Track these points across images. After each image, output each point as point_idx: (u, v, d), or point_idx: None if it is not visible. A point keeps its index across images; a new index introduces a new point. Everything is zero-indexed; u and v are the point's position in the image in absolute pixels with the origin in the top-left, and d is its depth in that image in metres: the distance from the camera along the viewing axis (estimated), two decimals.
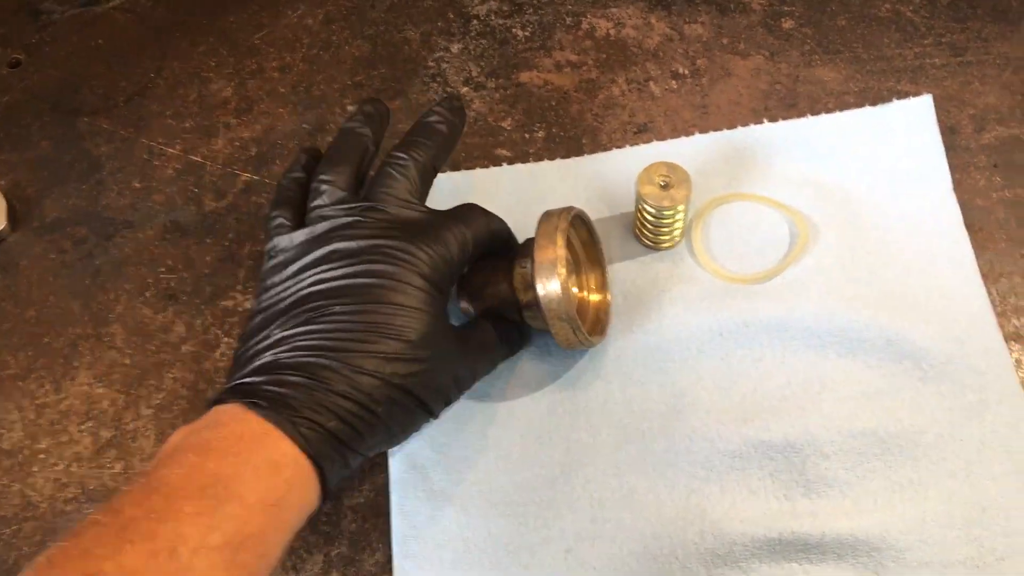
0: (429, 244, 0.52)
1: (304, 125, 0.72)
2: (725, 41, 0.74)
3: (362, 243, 0.51)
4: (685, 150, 0.69)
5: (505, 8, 0.77)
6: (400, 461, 0.59)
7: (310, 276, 0.51)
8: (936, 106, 0.69)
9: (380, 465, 0.59)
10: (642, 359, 0.61)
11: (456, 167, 0.69)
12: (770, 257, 0.64)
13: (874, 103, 0.70)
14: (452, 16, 0.77)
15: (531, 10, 0.77)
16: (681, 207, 0.61)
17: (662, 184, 0.60)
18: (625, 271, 0.65)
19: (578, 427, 0.60)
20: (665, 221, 0.62)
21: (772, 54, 0.73)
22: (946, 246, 0.64)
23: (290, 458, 0.44)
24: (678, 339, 0.62)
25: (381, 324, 0.48)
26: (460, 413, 0.60)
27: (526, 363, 0.62)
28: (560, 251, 0.54)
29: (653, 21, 0.76)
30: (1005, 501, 0.56)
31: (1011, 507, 0.55)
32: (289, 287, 0.51)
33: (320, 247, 0.52)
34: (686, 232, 0.65)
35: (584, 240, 0.62)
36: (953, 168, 0.67)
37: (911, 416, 0.58)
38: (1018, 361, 0.60)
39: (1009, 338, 0.61)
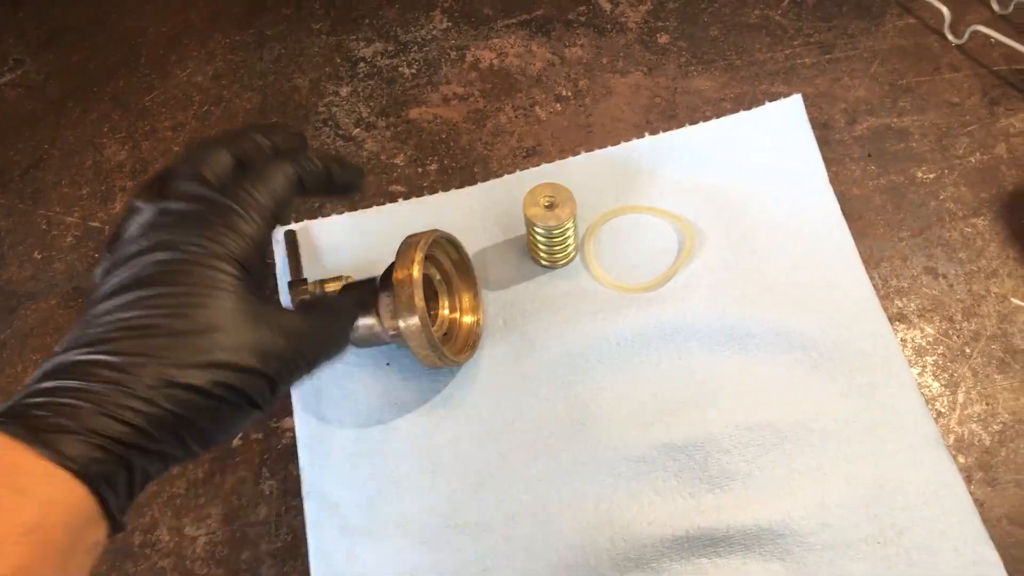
0: (214, 225, 0.44)
1: None
2: (605, 61, 0.77)
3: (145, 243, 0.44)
4: (573, 169, 0.71)
5: (390, 48, 0.79)
6: (315, 502, 0.60)
7: (96, 290, 0.44)
8: (809, 103, 0.72)
9: (296, 507, 0.60)
10: (546, 376, 0.63)
11: (353, 207, 0.71)
12: (661, 265, 0.66)
13: (749, 107, 0.72)
14: (339, 61, 0.79)
15: (415, 48, 0.79)
16: (568, 224, 0.62)
17: (547, 205, 0.62)
18: (524, 292, 0.66)
19: (487, 448, 0.61)
20: (556, 240, 0.63)
21: (650, 69, 0.76)
22: (827, 237, 0.66)
23: (42, 475, 0.37)
24: (579, 353, 0.63)
25: (159, 307, 0.41)
26: (369, 447, 0.61)
27: (431, 391, 0.63)
28: (416, 279, 0.55)
29: (535, 48, 0.78)
30: (901, 477, 0.58)
31: (906, 482, 0.57)
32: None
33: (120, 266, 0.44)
34: (579, 247, 0.67)
35: (455, 260, 0.64)
36: (829, 161, 0.69)
37: (805, 404, 0.60)
38: (903, 341, 0.63)
39: (893, 319, 0.63)
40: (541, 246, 0.64)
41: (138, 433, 0.39)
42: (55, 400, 0.38)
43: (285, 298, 0.66)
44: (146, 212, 0.44)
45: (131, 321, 0.40)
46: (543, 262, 0.66)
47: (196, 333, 0.41)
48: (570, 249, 0.66)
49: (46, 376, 0.40)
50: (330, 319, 0.50)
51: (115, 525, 0.39)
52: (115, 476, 0.39)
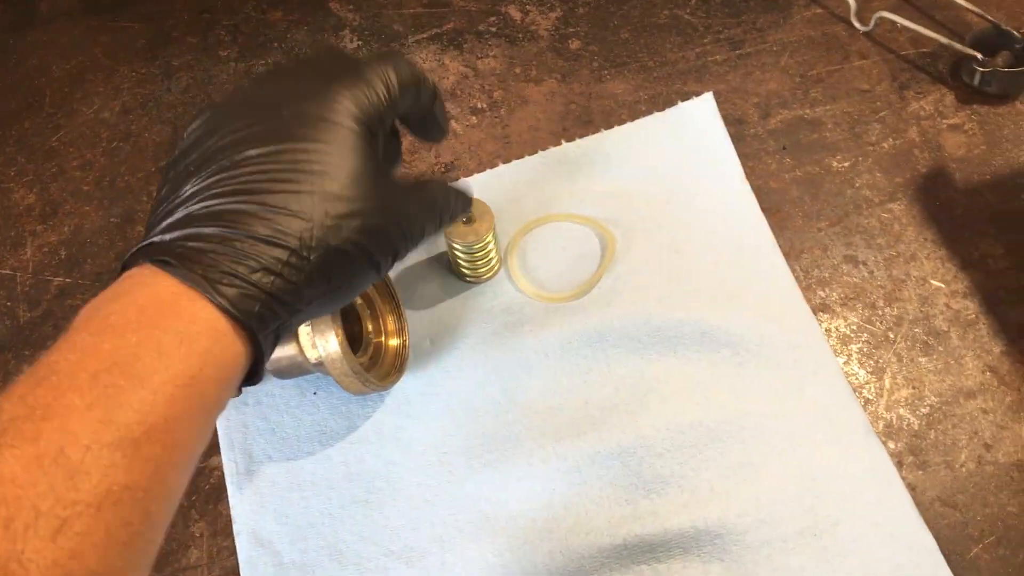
0: (350, 84, 0.44)
1: (112, 219, 0.71)
2: (518, 71, 0.76)
3: (280, 90, 0.44)
4: (492, 182, 0.70)
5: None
6: (246, 540, 0.58)
7: (227, 130, 0.43)
8: (722, 99, 0.72)
9: (229, 548, 0.58)
10: (476, 393, 0.62)
11: None
12: (585, 272, 0.66)
13: (664, 108, 0.72)
14: None
15: None
16: (488, 238, 0.62)
17: (464, 220, 0.61)
18: (449, 310, 0.65)
19: (419, 472, 0.60)
20: (477, 254, 0.63)
21: (564, 76, 0.76)
22: (747, 232, 0.66)
23: (205, 325, 0.37)
24: (507, 368, 0.62)
25: (303, 161, 0.41)
26: (300, 479, 0.60)
27: (360, 417, 0.62)
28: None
29: (447, 62, 0.77)
30: (833, 467, 0.58)
31: (838, 473, 0.57)
32: (205, 143, 0.42)
33: (244, 102, 0.44)
34: (503, 260, 0.66)
35: (376, 283, 0.63)
36: (745, 156, 0.69)
37: (735, 401, 0.60)
38: (827, 331, 0.63)
39: (817, 310, 0.63)
40: (463, 262, 0.64)
41: (292, 289, 0.39)
42: (215, 248, 0.38)
43: None
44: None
45: (276, 175, 0.40)
46: (467, 278, 0.66)
47: (337, 196, 0.40)
48: (493, 262, 0.65)
49: (194, 220, 0.39)
50: (439, 197, 0.49)
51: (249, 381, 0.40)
52: (264, 322, 0.39)
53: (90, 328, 0.36)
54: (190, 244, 0.38)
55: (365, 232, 0.42)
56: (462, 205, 0.52)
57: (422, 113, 0.50)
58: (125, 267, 0.39)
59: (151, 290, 0.37)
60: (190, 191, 0.40)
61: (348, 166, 0.41)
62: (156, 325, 0.36)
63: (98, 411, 0.33)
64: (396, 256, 0.45)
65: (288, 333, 0.42)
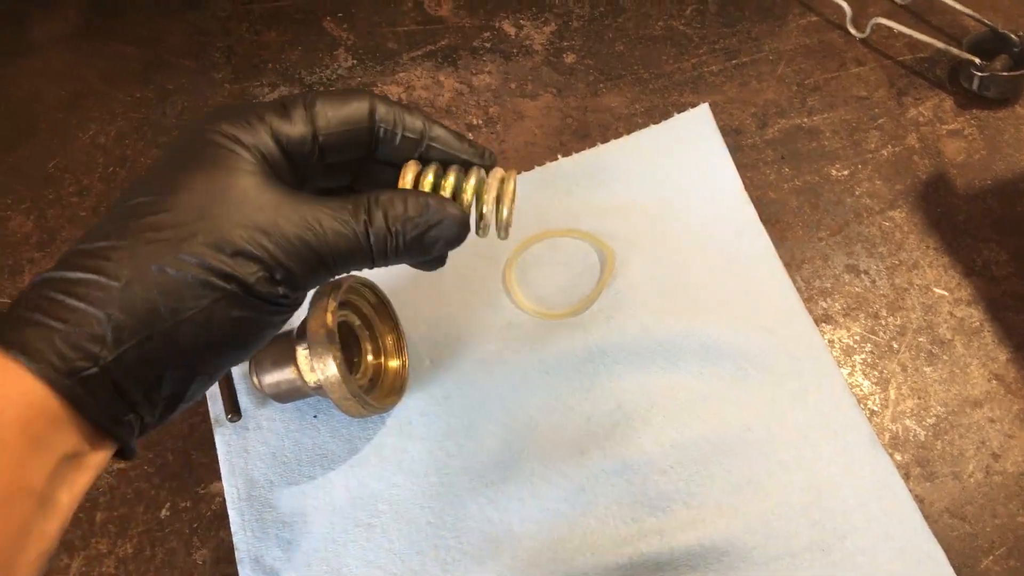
0: (258, 110, 0.40)
1: None
2: (513, 86, 0.76)
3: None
4: None
5: (296, 91, 0.78)
6: (249, 566, 0.58)
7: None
8: (719, 110, 0.72)
9: (232, 575, 0.58)
10: (477, 413, 0.62)
11: None
12: (585, 287, 0.65)
13: (660, 120, 0.72)
14: None
15: (321, 89, 0.77)
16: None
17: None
18: (449, 329, 0.65)
19: (422, 495, 0.59)
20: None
21: (559, 90, 0.75)
22: (747, 243, 0.66)
23: (17, 393, 0.33)
24: (509, 386, 0.62)
25: (162, 188, 0.36)
26: (303, 504, 0.59)
27: (361, 440, 0.61)
28: (331, 328, 0.53)
29: (442, 79, 0.77)
30: (838, 480, 0.57)
31: (844, 485, 0.57)
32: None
33: None
34: (502, 276, 0.66)
35: (374, 303, 0.62)
36: (743, 166, 0.69)
37: (738, 415, 0.59)
38: (830, 342, 0.62)
39: (819, 321, 0.63)
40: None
41: (113, 333, 0.34)
42: (37, 295, 0.34)
43: None
44: None
45: (123, 205, 0.36)
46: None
47: (187, 212, 0.36)
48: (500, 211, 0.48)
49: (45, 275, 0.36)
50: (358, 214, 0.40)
51: (120, 443, 0.35)
52: (95, 385, 0.34)
53: None
54: (24, 297, 0.35)
55: (223, 254, 0.36)
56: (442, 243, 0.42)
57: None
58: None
59: None
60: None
61: (215, 183, 0.37)
62: None
63: None
64: (288, 284, 0.38)
65: (182, 403, 0.37)
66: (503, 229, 0.44)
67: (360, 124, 0.42)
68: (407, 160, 0.43)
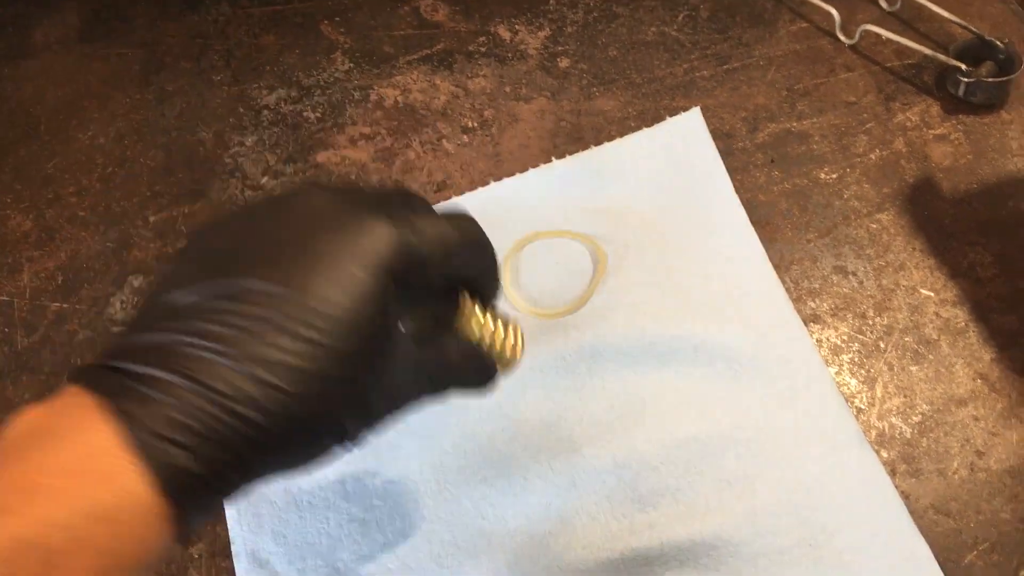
0: (395, 221, 0.37)
1: (108, 244, 0.72)
2: (508, 89, 0.77)
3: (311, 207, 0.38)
4: (483, 200, 0.71)
5: (293, 94, 0.79)
6: (245, 561, 0.58)
7: (237, 245, 0.37)
8: (710, 114, 0.73)
9: (228, 569, 0.59)
10: (470, 409, 0.62)
11: None
12: (578, 287, 0.66)
13: (652, 124, 0.73)
14: (242, 110, 0.78)
15: (319, 92, 0.79)
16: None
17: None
18: None
19: (416, 491, 0.60)
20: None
21: (553, 94, 0.76)
22: (737, 245, 0.67)
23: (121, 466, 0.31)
24: (502, 383, 0.63)
25: (300, 311, 0.34)
26: (298, 498, 0.60)
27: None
28: None
29: (438, 82, 0.78)
30: (827, 479, 0.58)
31: (833, 483, 0.58)
32: (214, 247, 0.37)
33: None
34: None
35: None
36: (734, 169, 0.70)
37: (728, 414, 0.60)
38: (819, 341, 0.63)
39: (807, 321, 0.64)
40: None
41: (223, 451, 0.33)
42: (167, 398, 0.32)
43: None
44: None
45: (269, 322, 0.34)
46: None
47: (324, 362, 0.34)
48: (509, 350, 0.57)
49: (163, 352, 0.33)
50: (453, 361, 0.42)
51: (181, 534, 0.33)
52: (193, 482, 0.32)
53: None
54: (143, 389, 0.32)
55: (341, 400, 0.35)
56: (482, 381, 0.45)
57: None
58: (77, 375, 0.34)
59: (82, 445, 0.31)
60: (181, 301, 0.35)
61: (347, 308, 0.35)
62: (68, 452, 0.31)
63: None
64: (371, 424, 0.38)
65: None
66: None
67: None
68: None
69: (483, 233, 0.42)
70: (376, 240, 0.36)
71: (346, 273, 0.35)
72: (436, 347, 0.42)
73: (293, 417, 0.34)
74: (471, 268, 0.43)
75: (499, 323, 0.46)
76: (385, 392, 0.38)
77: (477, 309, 0.44)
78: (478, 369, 0.44)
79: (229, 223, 0.38)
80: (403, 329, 0.39)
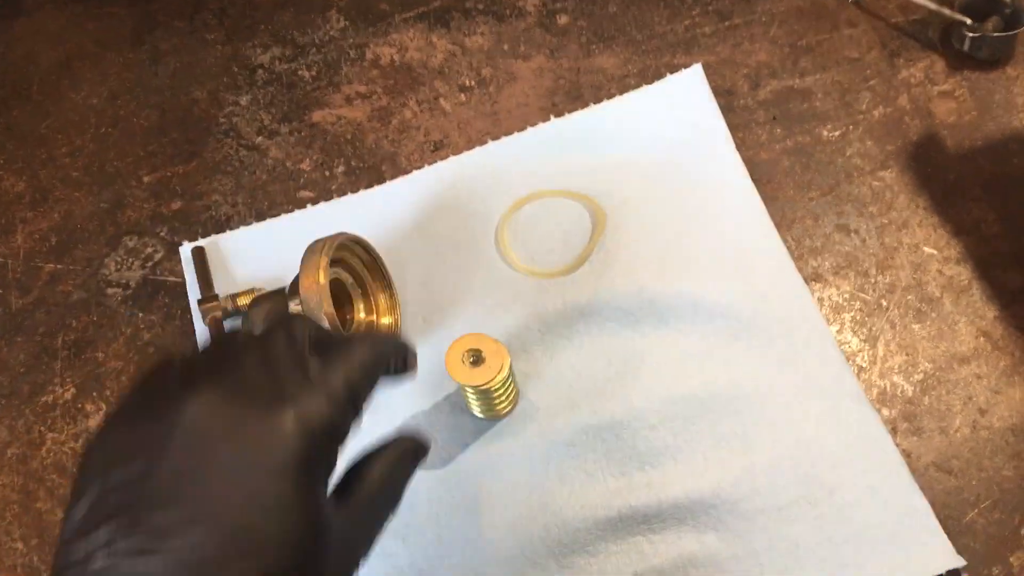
0: (293, 401, 0.36)
1: (102, 204, 0.71)
2: (506, 47, 0.76)
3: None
4: (481, 159, 0.70)
5: (288, 52, 0.77)
6: None
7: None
8: (711, 71, 0.72)
9: None
10: None
11: (261, 217, 0.69)
12: (577, 247, 0.66)
13: (653, 81, 0.72)
14: (236, 69, 0.77)
15: (313, 50, 0.77)
16: (498, 377, 0.55)
17: (471, 361, 0.55)
18: (441, 287, 0.65)
19: None
20: (493, 394, 0.57)
21: (552, 51, 0.75)
22: (738, 203, 0.66)
23: None
24: (501, 342, 0.62)
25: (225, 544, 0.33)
26: None
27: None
28: (323, 285, 0.54)
29: (435, 40, 0.77)
30: (827, 435, 0.58)
31: (832, 441, 0.57)
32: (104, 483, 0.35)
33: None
34: (495, 236, 0.66)
35: (366, 261, 0.63)
36: (735, 127, 0.69)
37: (727, 372, 0.60)
38: (820, 300, 0.63)
39: (809, 279, 0.63)
40: (473, 401, 0.58)
41: None
42: None
43: (197, 318, 0.65)
44: None
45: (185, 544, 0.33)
46: (479, 415, 0.60)
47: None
48: (509, 398, 0.59)
49: None
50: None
51: None
52: None
53: None
54: None
55: None
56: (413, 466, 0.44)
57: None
58: None
59: None
60: (94, 551, 0.32)
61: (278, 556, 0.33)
62: None
63: None
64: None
65: None
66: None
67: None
68: None
69: (374, 340, 0.42)
70: (280, 438, 0.34)
71: (259, 489, 0.33)
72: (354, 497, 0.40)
73: None
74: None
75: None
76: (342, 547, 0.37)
77: None
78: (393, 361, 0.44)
79: (120, 445, 0.35)
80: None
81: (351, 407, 0.38)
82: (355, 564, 0.38)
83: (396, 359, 0.44)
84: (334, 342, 0.40)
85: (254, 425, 0.34)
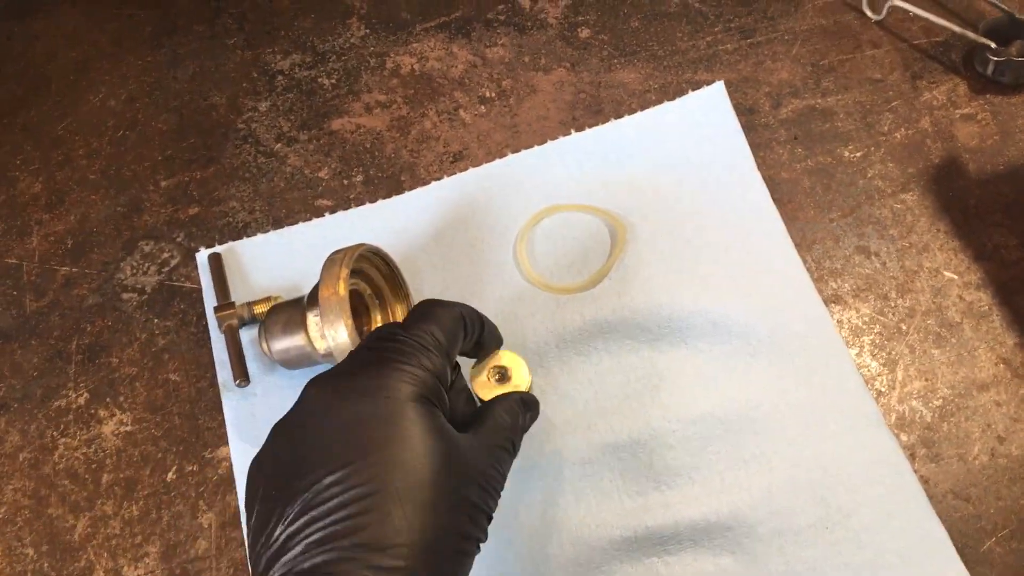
0: (400, 367, 0.45)
1: (119, 208, 0.71)
2: (527, 59, 0.76)
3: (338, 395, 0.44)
4: (500, 172, 0.70)
5: (308, 59, 0.77)
6: None
7: (300, 456, 0.43)
8: (733, 89, 0.72)
9: (237, 539, 0.58)
10: None
11: (278, 224, 0.69)
12: (595, 262, 0.65)
13: (674, 97, 0.71)
14: (256, 75, 0.77)
15: (334, 57, 0.77)
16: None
17: (497, 379, 0.55)
18: (458, 298, 0.64)
19: None
20: None
21: (573, 65, 0.75)
22: (758, 223, 0.66)
23: None
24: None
25: (377, 479, 0.40)
26: None
27: None
28: (343, 296, 0.53)
29: (455, 50, 0.77)
30: (845, 459, 0.57)
31: (850, 464, 0.57)
32: (281, 473, 0.43)
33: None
34: (512, 250, 0.66)
35: (385, 273, 0.62)
36: (756, 146, 0.69)
37: (745, 392, 0.59)
38: (839, 322, 0.62)
39: (828, 301, 0.63)
40: None
41: None
42: None
43: (213, 325, 0.64)
44: None
45: (358, 505, 0.40)
46: None
47: (423, 505, 0.41)
48: None
49: None
50: (499, 427, 0.50)
51: None
52: None
53: None
54: None
55: (457, 523, 0.42)
56: (531, 418, 0.53)
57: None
58: None
59: None
60: (282, 535, 0.40)
61: (420, 469, 0.41)
62: None
63: None
64: (491, 518, 0.45)
65: None
66: None
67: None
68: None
69: (454, 305, 0.51)
70: (404, 394, 0.43)
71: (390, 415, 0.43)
72: (487, 429, 0.49)
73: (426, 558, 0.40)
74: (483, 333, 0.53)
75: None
76: (479, 486, 0.44)
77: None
78: (526, 411, 0.52)
79: (295, 425, 0.45)
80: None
81: (442, 353, 0.47)
82: (492, 488, 0.45)
83: (470, 321, 0.51)
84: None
85: (364, 382, 0.44)
